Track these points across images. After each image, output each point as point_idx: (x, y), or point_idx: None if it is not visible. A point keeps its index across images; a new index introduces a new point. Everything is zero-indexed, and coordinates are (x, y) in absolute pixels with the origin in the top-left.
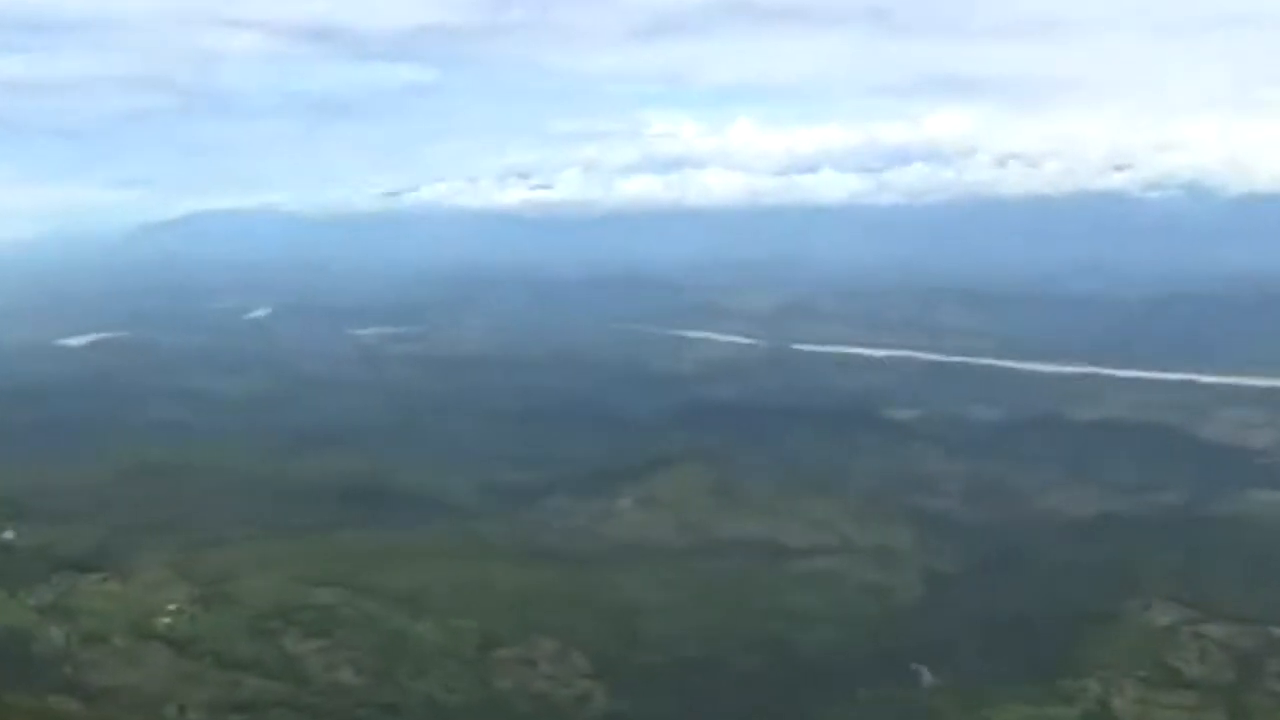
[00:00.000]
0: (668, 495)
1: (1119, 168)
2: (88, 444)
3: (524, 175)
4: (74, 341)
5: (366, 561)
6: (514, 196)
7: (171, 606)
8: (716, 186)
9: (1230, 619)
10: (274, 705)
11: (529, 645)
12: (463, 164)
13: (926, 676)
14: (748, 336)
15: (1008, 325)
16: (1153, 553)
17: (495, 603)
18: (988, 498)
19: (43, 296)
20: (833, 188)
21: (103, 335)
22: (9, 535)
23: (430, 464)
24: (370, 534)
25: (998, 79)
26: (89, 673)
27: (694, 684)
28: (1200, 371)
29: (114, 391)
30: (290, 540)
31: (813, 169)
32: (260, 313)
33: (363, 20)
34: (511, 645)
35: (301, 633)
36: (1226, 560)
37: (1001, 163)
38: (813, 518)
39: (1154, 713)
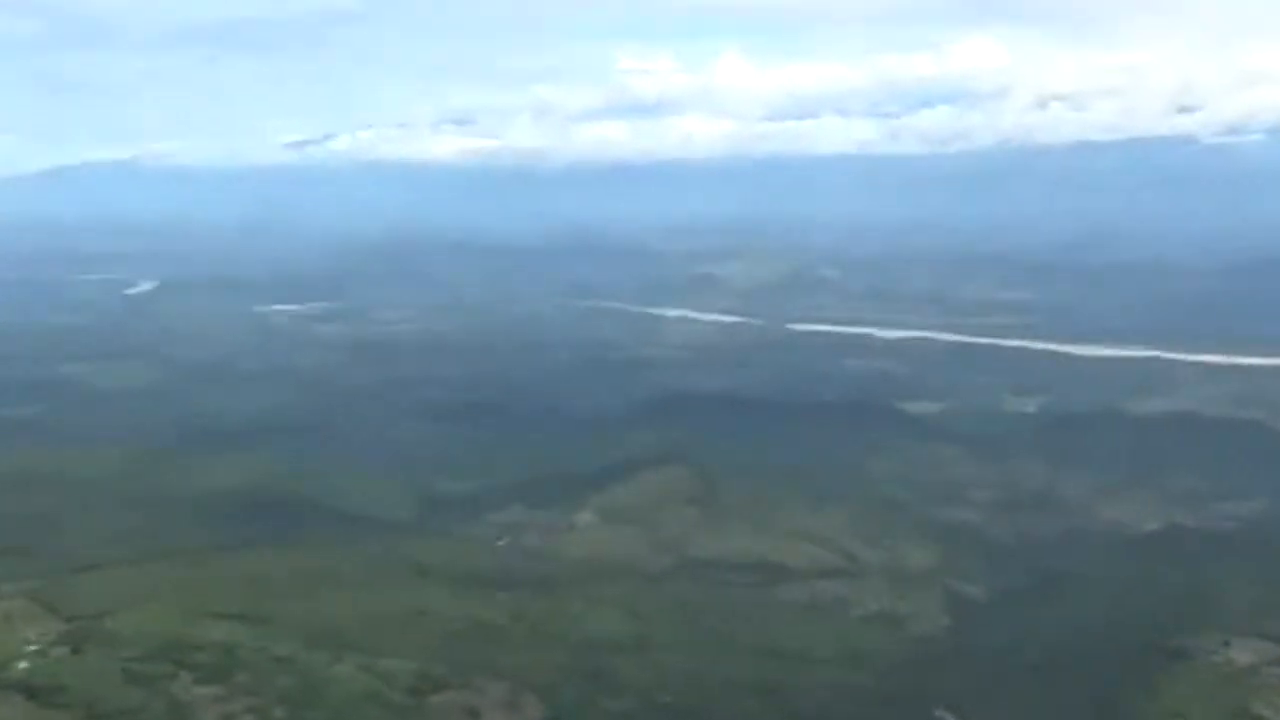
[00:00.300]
0: (639, 506)
1: (1186, 109)
2: None
3: (465, 121)
4: None
5: (275, 589)
6: (453, 146)
7: (33, 647)
8: (698, 135)
9: None
10: None
11: (473, 689)
12: (391, 108)
13: None
14: (735, 314)
15: (1050, 299)
16: (1231, 576)
17: (432, 638)
18: (1027, 508)
19: None
20: (838, 135)
21: None
22: None
23: (354, 470)
24: (279, 556)
25: (1040, 1)
26: None
27: None
28: None
29: None
30: (180, 564)
31: (813, 113)
32: (145, 286)
33: None
34: (451, 689)
35: (194, 677)
36: None
37: (1043, 104)
38: (814, 533)
39: None
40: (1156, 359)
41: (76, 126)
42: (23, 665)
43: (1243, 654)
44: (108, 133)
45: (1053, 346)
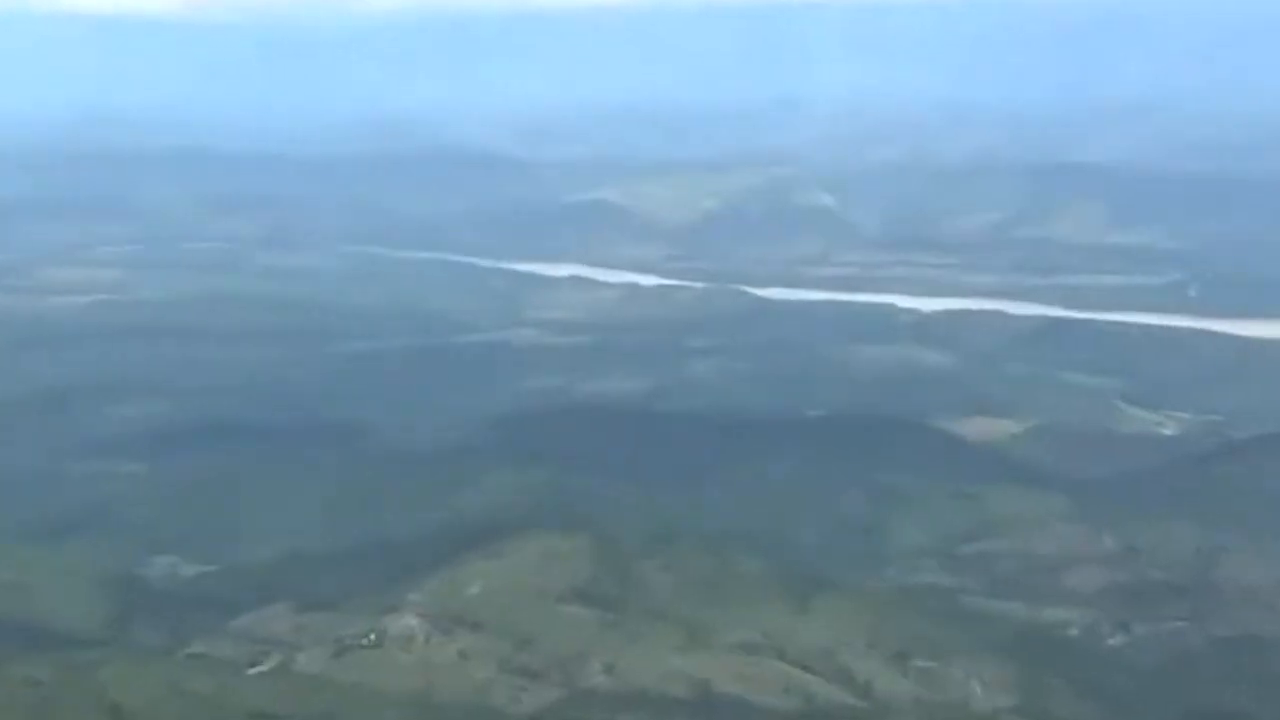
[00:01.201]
0: (497, 602)
1: None
2: None
3: None
4: None
5: None
6: None
7: None
8: None
9: None
10: None
11: None
12: None
13: None
14: (660, 272)
15: (1196, 242)
16: None
17: None
18: (1168, 603)
19: None
20: None
21: None
22: None
23: None
24: None
25: None
26: None
27: None
28: None
29: None
30: None
31: None
32: None
33: None
34: None
35: None
36: None
37: None
38: (796, 646)
39: None
40: None
41: None
42: None
43: None
44: None
45: (1203, 323)
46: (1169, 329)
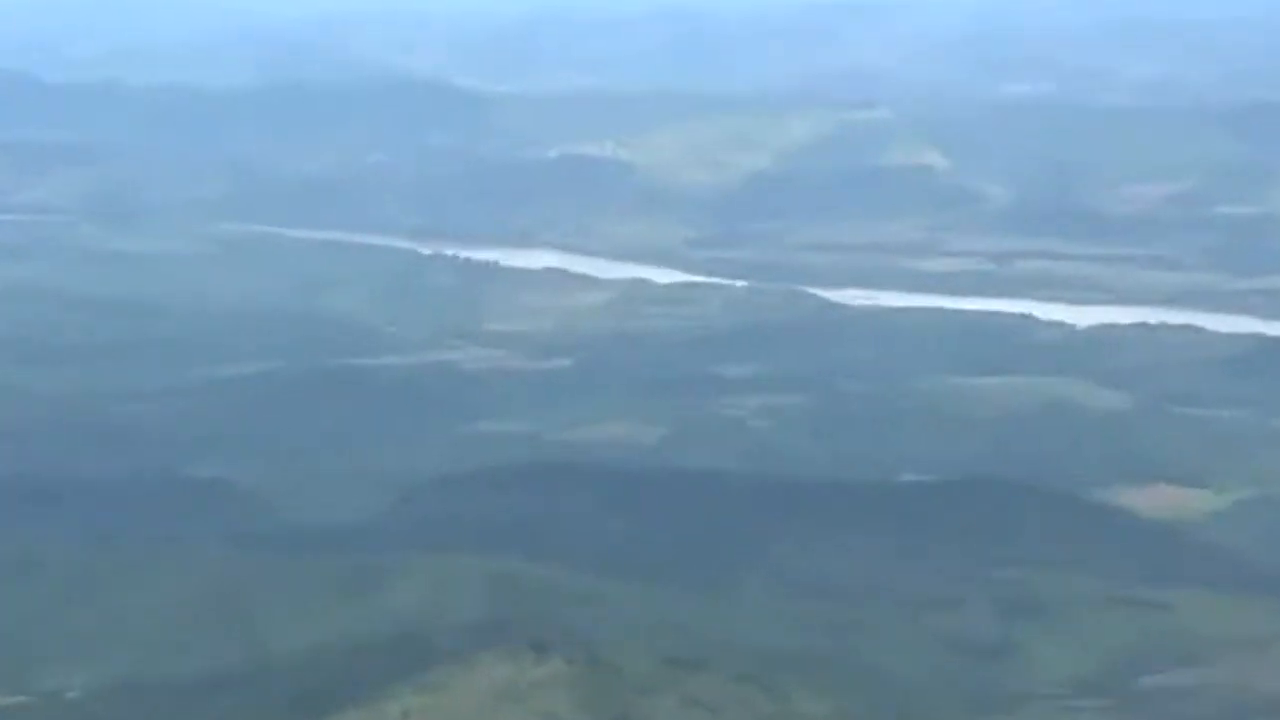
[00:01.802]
0: None
1: None
2: None
3: None
4: None
5: None
6: None
7: None
8: None
9: None
10: None
11: None
12: None
13: None
14: (680, 265)
15: None
16: None
17: None
18: None
19: None
20: None
21: None
22: None
23: None
24: None
25: None
26: None
27: None
28: None
29: None
30: None
31: None
32: None
33: None
34: None
35: None
36: None
37: None
38: None
39: None
40: None
41: None
42: None
43: None
44: None
45: None
46: None
